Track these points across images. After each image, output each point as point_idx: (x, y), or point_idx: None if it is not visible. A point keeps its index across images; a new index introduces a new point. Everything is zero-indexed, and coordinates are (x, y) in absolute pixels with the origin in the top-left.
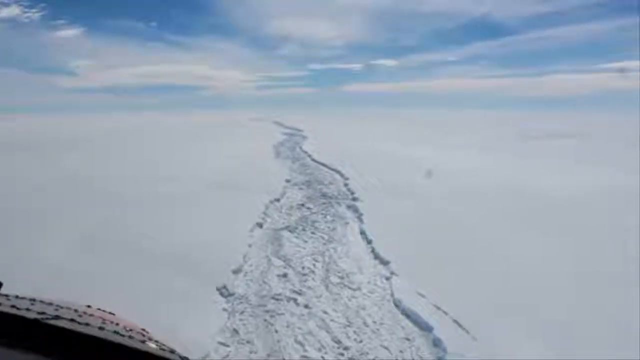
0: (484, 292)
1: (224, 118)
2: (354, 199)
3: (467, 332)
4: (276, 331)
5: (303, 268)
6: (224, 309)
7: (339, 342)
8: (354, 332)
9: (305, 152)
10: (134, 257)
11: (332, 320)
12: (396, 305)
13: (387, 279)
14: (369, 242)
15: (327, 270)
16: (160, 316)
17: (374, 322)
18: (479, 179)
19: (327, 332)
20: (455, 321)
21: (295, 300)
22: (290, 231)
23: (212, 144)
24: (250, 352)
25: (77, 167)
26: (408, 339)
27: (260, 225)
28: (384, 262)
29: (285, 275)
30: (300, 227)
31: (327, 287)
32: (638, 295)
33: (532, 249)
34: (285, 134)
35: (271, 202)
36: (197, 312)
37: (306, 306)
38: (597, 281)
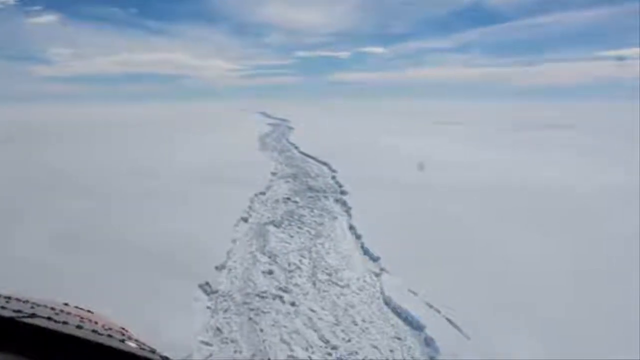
0: (478, 289)
1: (208, 108)
2: (342, 193)
3: (461, 331)
4: (261, 330)
5: (289, 264)
6: (207, 307)
7: (326, 341)
8: (342, 330)
9: (292, 144)
10: (113, 253)
11: (319, 318)
12: (386, 303)
13: (377, 275)
14: (358, 237)
15: (315, 267)
16: (140, 314)
17: (363, 320)
18: (473, 172)
19: (315, 330)
20: (448, 320)
21: (281, 297)
22: (276, 226)
23: (195, 136)
24: (235, 352)
25: (54, 160)
26: (399, 338)
27: (245, 220)
28: (374, 259)
29: (270, 271)
30: (287, 222)
31: (314, 284)
32: (637, 293)
33: (528, 245)
34: (271, 124)
35: (256, 195)
36: (178, 310)
37: (292, 304)
38: (595, 278)
